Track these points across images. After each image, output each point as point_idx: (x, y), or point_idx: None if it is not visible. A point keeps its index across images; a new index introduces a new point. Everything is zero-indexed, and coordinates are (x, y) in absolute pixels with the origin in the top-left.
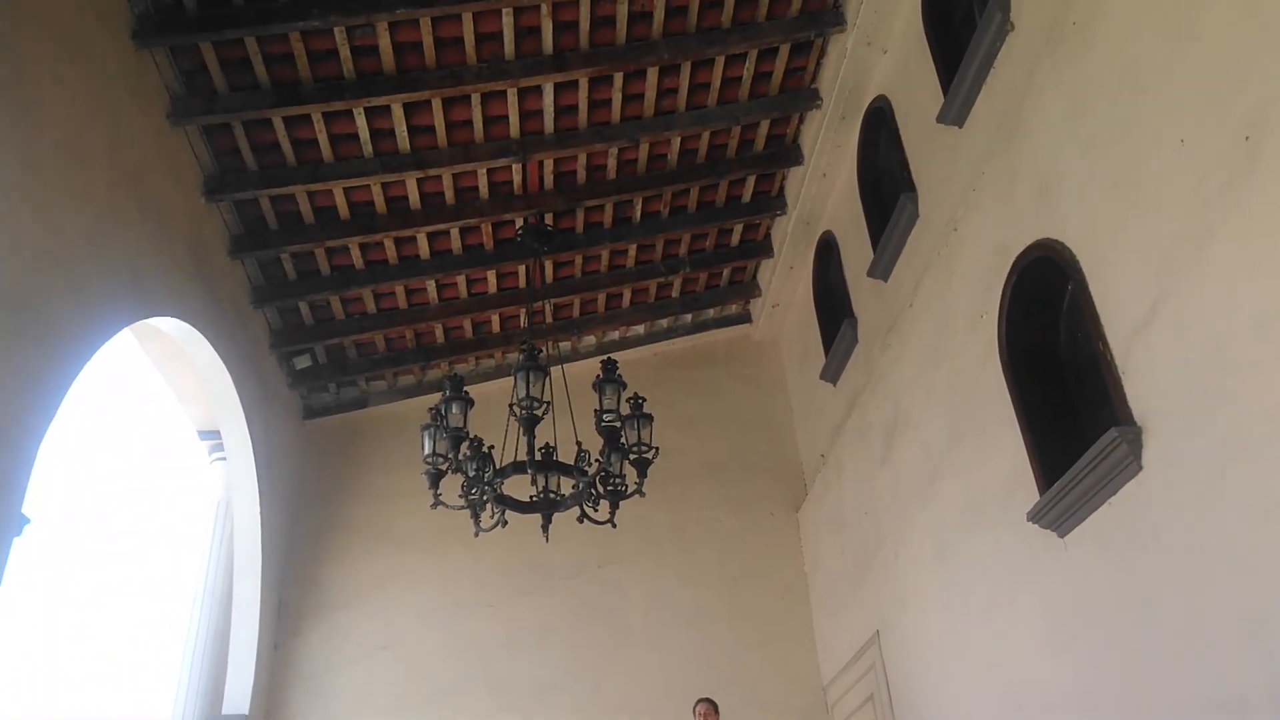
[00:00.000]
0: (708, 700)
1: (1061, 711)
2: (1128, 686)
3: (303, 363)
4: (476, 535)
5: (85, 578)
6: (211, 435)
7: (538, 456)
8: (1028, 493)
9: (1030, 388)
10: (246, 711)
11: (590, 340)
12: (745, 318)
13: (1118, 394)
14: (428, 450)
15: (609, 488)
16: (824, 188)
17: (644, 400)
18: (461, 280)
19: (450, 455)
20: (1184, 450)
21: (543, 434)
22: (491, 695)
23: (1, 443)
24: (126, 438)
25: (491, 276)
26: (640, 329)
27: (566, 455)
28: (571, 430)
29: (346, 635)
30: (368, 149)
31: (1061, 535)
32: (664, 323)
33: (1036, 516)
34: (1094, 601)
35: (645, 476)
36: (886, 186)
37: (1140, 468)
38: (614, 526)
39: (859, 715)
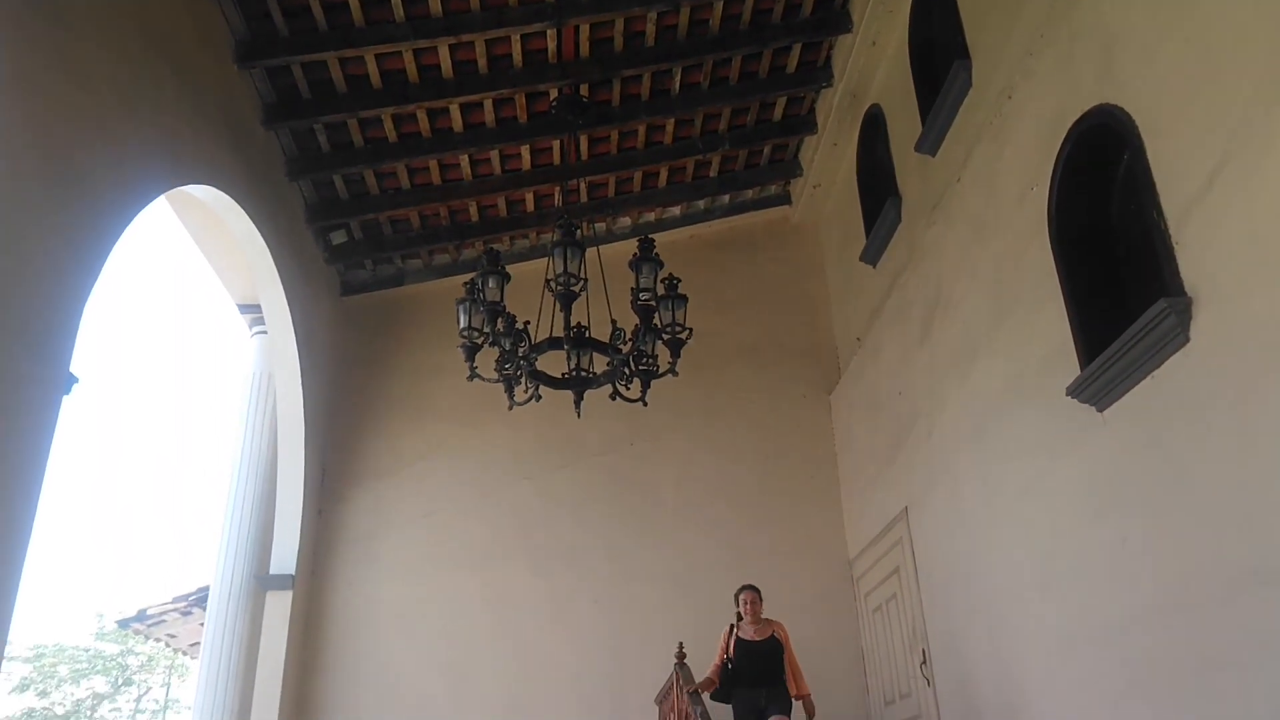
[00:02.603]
0: (752, 587)
1: (1094, 584)
2: (1165, 559)
3: (339, 238)
4: (510, 409)
5: (132, 441)
6: (251, 309)
7: (572, 334)
8: (1069, 368)
9: (1077, 262)
10: (293, 571)
11: (625, 222)
12: (784, 199)
13: (1169, 265)
14: (463, 324)
15: (641, 367)
16: (873, 57)
17: (679, 281)
18: (495, 155)
19: (486, 329)
20: (1234, 322)
21: (577, 314)
22: (528, 561)
23: (47, 302)
24: (171, 310)
25: (526, 152)
26: (676, 210)
27: (600, 336)
28: (606, 312)
29: (388, 502)
30: (399, 12)
31: (1101, 410)
32: (701, 204)
33: (1077, 391)
34: (1132, 475)
35: (678, 357)
36: (939, 55)
37: (1187, 339)
38: (645, 405)
39: (884, 587)
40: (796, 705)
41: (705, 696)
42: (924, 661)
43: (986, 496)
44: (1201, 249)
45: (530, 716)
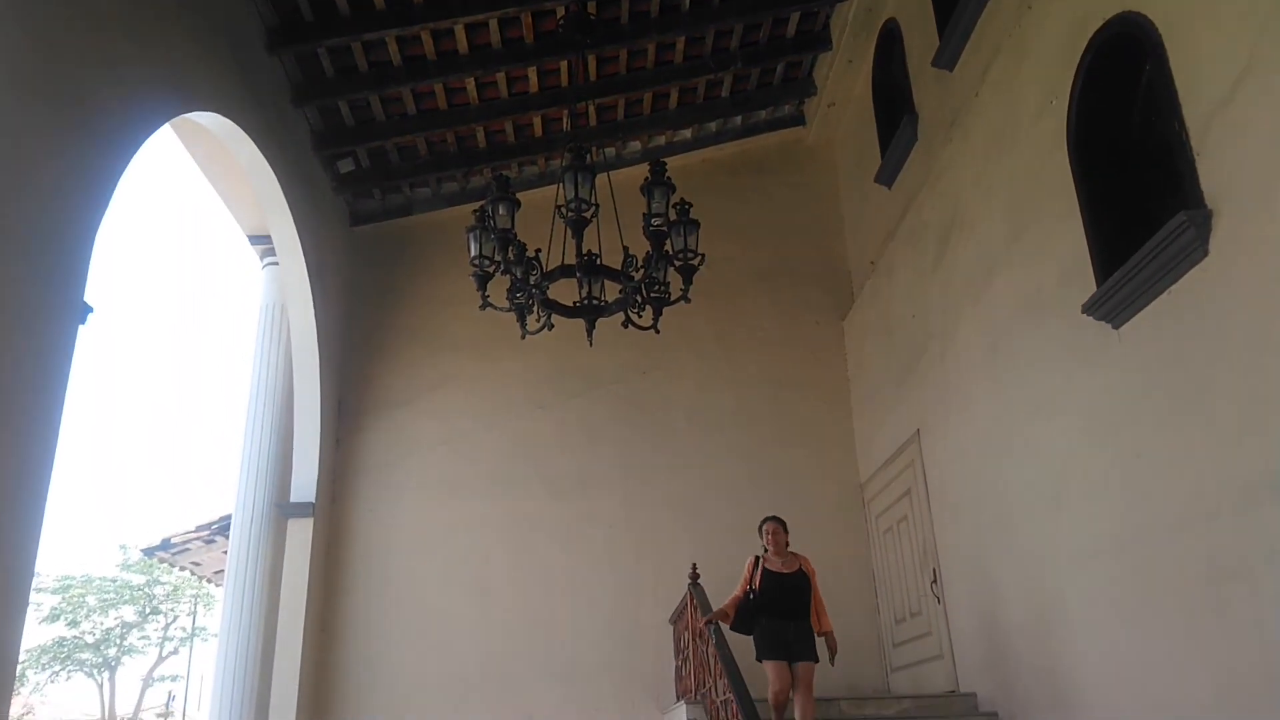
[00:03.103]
0: (776, 519)
1: (1108, 500)
2: (1179, 474)
3: (346, 166)
4: (523, 338)
5: (150, 373)
6: (262, 240)
7: (583, 261)
8: (1084, 285)
9: (1096, 176)
10: (313, 499)
11: (635, 146)
12: (798, 119)
13: (1189, 177)
14: (474, 252)
15: (653, 294)
16: None
17: (690, 206)
18: (502, 78)
19: (497, 258)
20: (1254, 235)
21: (588, 242)
22: (543, 487)
23: (58, 232)
24: (184, 243)
25: (533, 75)
26: (688, 133)
27: (612, 264)
28: (617, 239)
29: (405, 432)
30: None
31: (1116, 327)
32: (712, 126)
33: (1092, 308)
34: (1147, 392)
35: (690, 283)
36: None
37: (1206, 253)
38: (657, 332)
39: (895, 509)
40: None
41: (724, 627)
42: (934, 580)
43: (999, 416)
44: (1222, 159)
45: (549, 636)
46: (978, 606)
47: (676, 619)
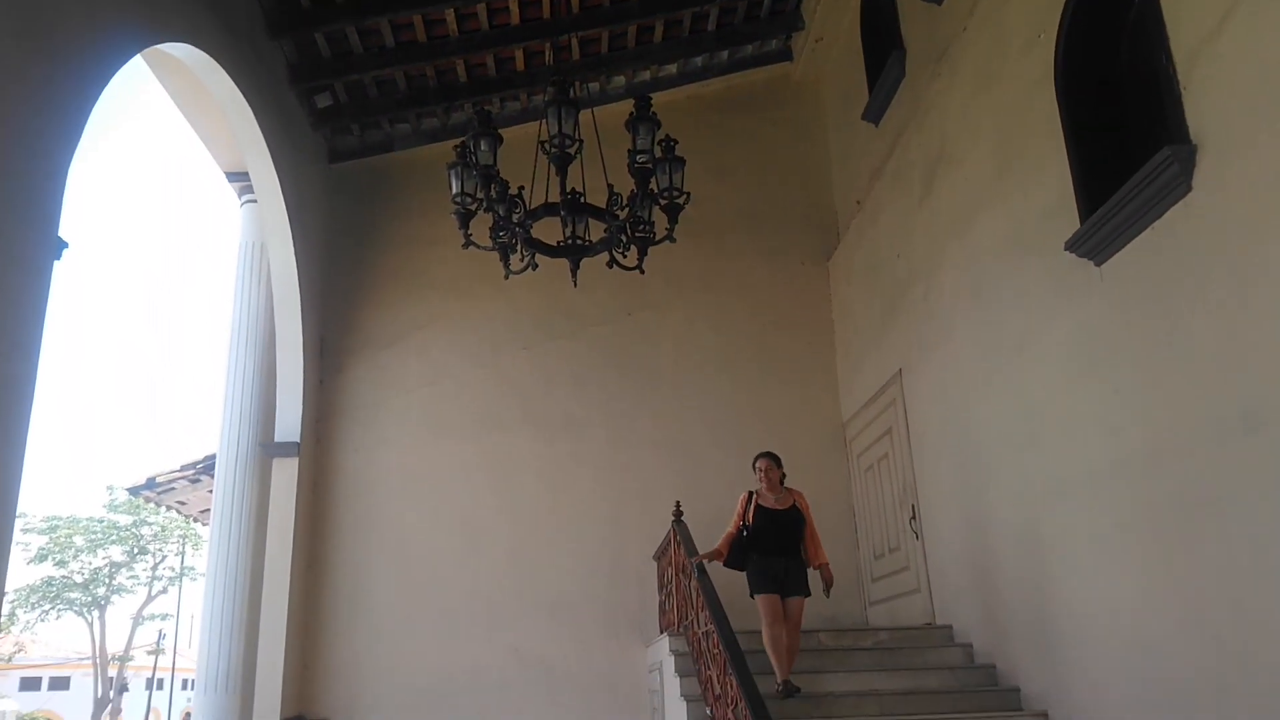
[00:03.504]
0: (769, 455)
1: (1084, 435)
2: (1154, 409)
3: (323, 100)
4: (506, 278)
5: (131, 312)
6: (240, 177)
7: (567, 199)
8: (1068, 222)
9: (1082, 112)
10: (298, 439)
11: (620, 80)
12: (785, 54)
13: (1175, 112)
14: (456, 189)
15: (638, 233)
16: None
17: (676, 143)
18: (482, 10)
19: (479, 195)
20: (1238, 171)
21: (571, 180)
22: (529, 428)
23: (30, 165)
24: (162, 181)
25: (514, 6)
26: (673, 68)
27: (596, 203)
28: (601, 178)
29: (389, 373)
30: None
31: (1098, 264)
32: (698, 61)
33: (1075, 245)
34: (1127, 328)
35: (676, 222)
36: None
37: (1189, 188)
38: (642, 273)
39: (876, 448)
40: (813, 575)
41: (714, 566)
42: (913, 517)
43: (980, 355)
44: (1208, 93)
45: (536, 572)
46: (955, 541)
47: (660, 555)
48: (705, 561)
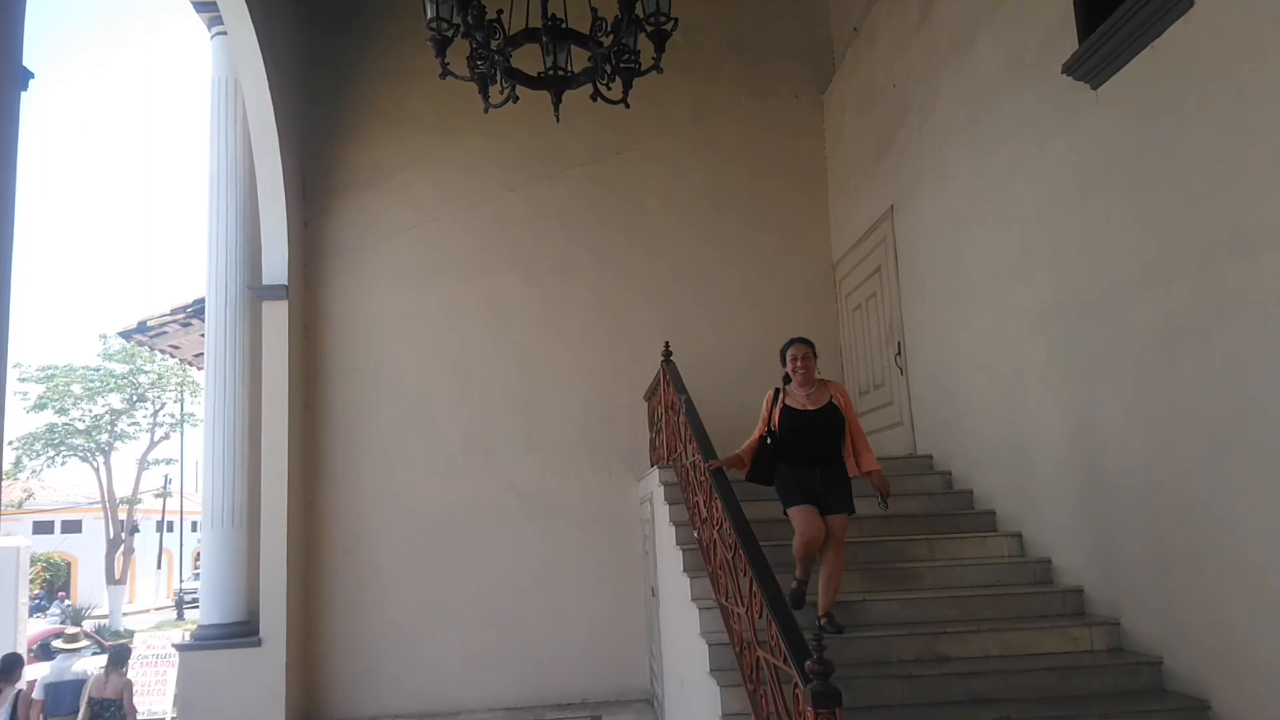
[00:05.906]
0: (804, 341)
1: (1073, 266)
2: (1143, 236)
3: None
4: (486, 111)
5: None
6: (208, 7)
7: (548, 24)
8: (1067, 45)
9: None
10: (285, 281)
11: None
12: None
13: None
14: (430, 14)
15: (623, 63)
16: None
17: None
18: None
19: (456, 20)
20: None
21: (553, 5)
22: (519, 270)
23: None
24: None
25: None
26: None
27: (579, 30)
28: (584, 3)
29: (374, 214)
30: None
31: (1095, 87)
32: None
33: (1072, 67)
34: (1121, 153)
35: (664, 51)
36: None
37: (1191, 4)
38: (627, 106)
39: (864, 287)
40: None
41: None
42: (898, 353)
43: (973, 186)
44: None
45: (529, 413)
46: (938, 376)
47: (651, 395)
48: (728, 469)
